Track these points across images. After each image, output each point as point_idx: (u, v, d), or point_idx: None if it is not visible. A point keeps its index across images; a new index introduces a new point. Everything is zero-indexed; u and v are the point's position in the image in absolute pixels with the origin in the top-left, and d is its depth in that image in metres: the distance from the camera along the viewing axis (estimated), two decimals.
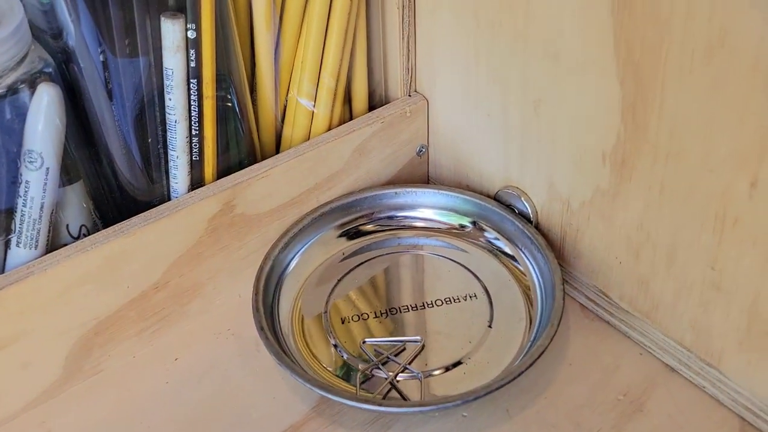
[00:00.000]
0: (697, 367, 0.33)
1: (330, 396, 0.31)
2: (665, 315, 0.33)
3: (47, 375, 0.34)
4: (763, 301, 0.28)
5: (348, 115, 0.42)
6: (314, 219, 0.39)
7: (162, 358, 0.36)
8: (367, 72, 0.42)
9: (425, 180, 0.45)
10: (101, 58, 0.30)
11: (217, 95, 0.35)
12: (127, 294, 0.35)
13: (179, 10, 0.31)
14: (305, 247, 0.39)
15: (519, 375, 0.31)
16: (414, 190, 0.41)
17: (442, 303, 0.37)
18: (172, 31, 0.31)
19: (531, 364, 0.31)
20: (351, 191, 0.41)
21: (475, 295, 0.37)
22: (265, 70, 0.38)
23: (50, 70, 0.30)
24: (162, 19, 0.31)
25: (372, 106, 0.42)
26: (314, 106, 0.40)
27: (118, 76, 0.31)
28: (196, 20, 0.32)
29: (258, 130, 0.39)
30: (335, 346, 0.35)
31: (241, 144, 0.38)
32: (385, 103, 0.42)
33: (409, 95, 0.42)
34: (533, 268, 0.37)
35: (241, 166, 0.38)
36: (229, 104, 0.36)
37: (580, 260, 0.37)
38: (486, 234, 0.39)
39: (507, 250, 0.38)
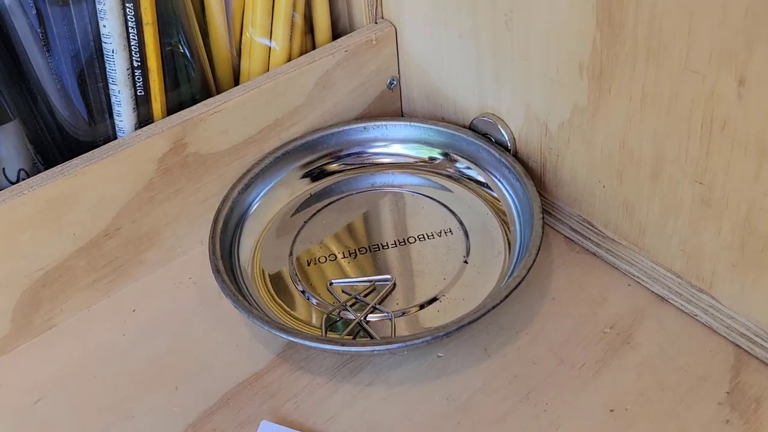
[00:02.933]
0: (688, 294, 0.30)
1: (292, 339, 0.29)
2: (653, 240, 0.31)
3: None
4: (756, 213, 0.26)
5: (311, 48, 0.39)
6: (276, 158, 0.36)
7: (119, 310, 0.34)
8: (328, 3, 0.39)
9: (399, 114, 0.42)
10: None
11: (165, 41, 0.32)
12: (75, 242, 0.32)
13: None
14: (267, 188, 0.36)
15: (493, 308, 0.28)
16: (384, 123, 0.38)
17: (415, 240, 0.34)
18: None
19: (506, 296, 0.29)
20: (316, 128, 0.38)
21: (450, 231, 0.34)
22: (216, 4, 0.35)
23: None
24: None
25: (336, 36, 0.39)
26: (271, 40, 0.37)
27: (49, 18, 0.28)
28: None
29: (213, 68, 0.37)
30: (302, 291, 0.32)
31: (193, 80, 0.35)
32: (350, 32, 0.39)
33: (375, 22, 0.39)
34: (511, 197, 0.34)
35: (194, 102, 0.35)
36: (179, 49, 0.33)
37: (561, 188, 0.34)
38: (457, 165, 0.36)
39: (480, 179, 0.36)
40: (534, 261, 0.30)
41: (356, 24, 0.40)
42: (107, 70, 0.31)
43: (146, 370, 0.31)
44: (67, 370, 0.32)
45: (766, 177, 0.25)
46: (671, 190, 0.29)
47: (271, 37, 0.37)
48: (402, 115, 0.42)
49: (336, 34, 0.40)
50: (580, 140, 0.31)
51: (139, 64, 0.32)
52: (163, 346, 0.32)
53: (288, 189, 0.37)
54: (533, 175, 0.35)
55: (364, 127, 0.38)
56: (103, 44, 0.31)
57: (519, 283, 0.29)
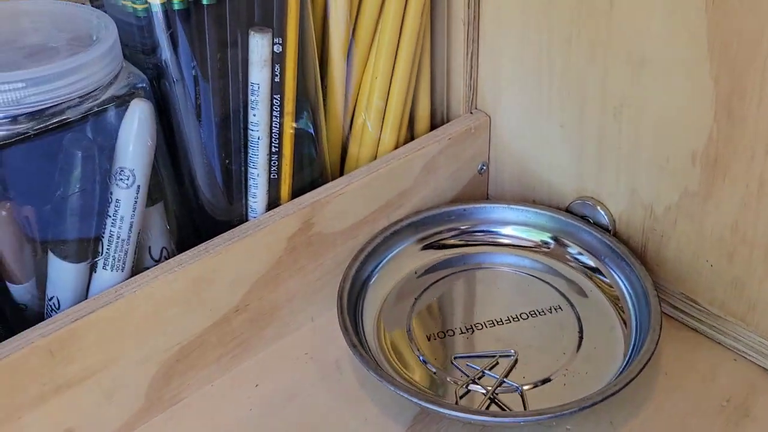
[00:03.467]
0: None
1: (433, 407, 0.30)
2: (763, 316, 0.33)
3: (130, 405, 0.32)
4: None
5: (410, 137, 0.42)
6: (386, 237, 0.38)
7: (241, 385, 0.35)
8: (430, 92, 0.42)
9: (485, 197, 0.44)
10: (193, 73, 0.30)
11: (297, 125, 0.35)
12: (210, 317, 0.34)
13: (266, 25, 0.31)
14: (382, 263, 0.38)
15: (626, 386, 0.30)
16: (484, 206, 0.40)
17: (528, 316, 0.36)
18: (260, 45, 0.31)
19: (640, 372, 0.30)
20: (419, 209, 0.40)
21: (560, 307, 0.36)
22: (338, 93, 0.38)
23: (143, 85, 0.29)
24: (251, 33, 0.31)
25: (434, 126, 0.42)
26: (381, 130, 0.40)
27: (207, 93, 0.31)
28: (282, 34, 0.32)
29: (329, 154, 0.39)
30: (424, 362, 0.34)
31: (314, 164, 0.37)
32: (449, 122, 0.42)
33: (471, 112, 0.42)
34: (619, 277, 0.36)
35: (312, 186, 0.37)
36: (307, 132, 0.36)
37: (663, 267, 0.36)
38: (569, 249, 0.39)
39: (590, 263, 0.38)
40: (659, 336, 0.32)
41: (453, 114, 0.43)
42: (250, 154, 0.33)
43: None
44: None
45: None
46: None
47: (382, 126, 0.39)
48: (487, 198, 0.44)
49: (433, 124, 0.43)
50: (688, 222, 0.34)
51: (277, 149, 0.34)
52: (292, 421, 0.33)
53: (399, 264, 0.39)
54: (634, 254, 0.37)
55: (464, 209, 0.40)
56: (250, 132, 0.33)
57: (650, 358, 0.30)
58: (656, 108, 0.33)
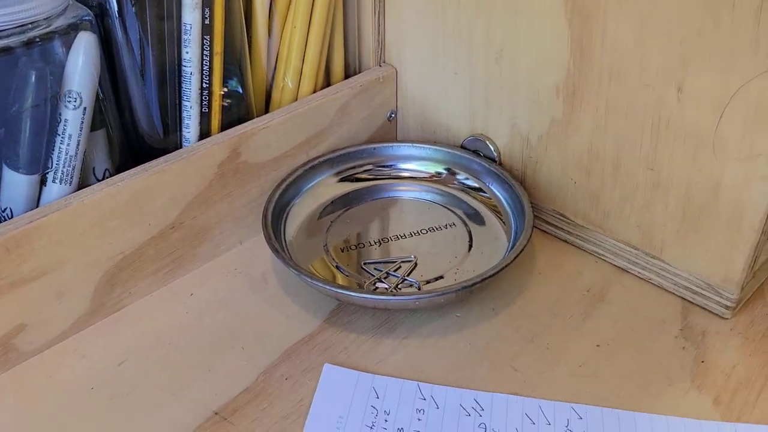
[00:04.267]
0: (644, 262, 0.40)
1: (344, 292, 0.35)
2: (615, 221, 0.40)
3: (78, 307, 0.36)
4: (693, 187, 0.35)
5: (326, 85, 0.48)
6: (306, 170, 0.44)
7: (178, 295, 0.40)
8: (344, 48, 0.48)
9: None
10: (134, 10, 0.35)
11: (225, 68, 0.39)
12: (149, 231, 0.38)
13: None
14: (302, 191, 0.43)
15: (505, 267, 0.36)
16: (391, 145, 0.46)
17: (427, 232, 0.42)
18: None
19: (514, 259, 0.37)
20: (335, 148, 0.46)
21: (453, 224, 0.42)
22: (261, 48, 0.43)
23: (89, 18, 0.34)
24: None
25: (347, 78, 0.48)
26: (299, 82, 0.45)
27: (146, 32, 0.36)
28: None
29: (254, 95, 0.44)
30: (338, 267, 0.39)
31: (240, 104, 0.42)
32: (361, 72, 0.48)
33: (380, 65, 0.48)
34: (502, 196, 0.43)
35: (239, 123, 0.42)
36: (231, 68, 0.41)
37: (539, 189, 0.43)
38: (458, 177, 0.45)
39: (476, 185, 0.44)
40: (531, 234, 0.38)
41: (364, 67, 0.49)
42: (183, 88, 0.38)
43: (212, 337, 0.37)
44: (143, 340, 0.37)
45: (699, 158, 0.34)
46: (629, 179, 0.38)
47: (300, 79, 0.45)
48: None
49: (346, 75, 0.48)
50: (555, 148, 0.41)
51: (207, 85, 0.39)
52: (224, 320, 0.38)
53: (318, 192, 0.44)
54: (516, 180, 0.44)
55: (374, 148, 0.46)
56: (183, 68, 0.38)
57: (523, 249, 0.37)
58: (528, 51, 0.40)
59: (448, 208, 0.44)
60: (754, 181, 0.33)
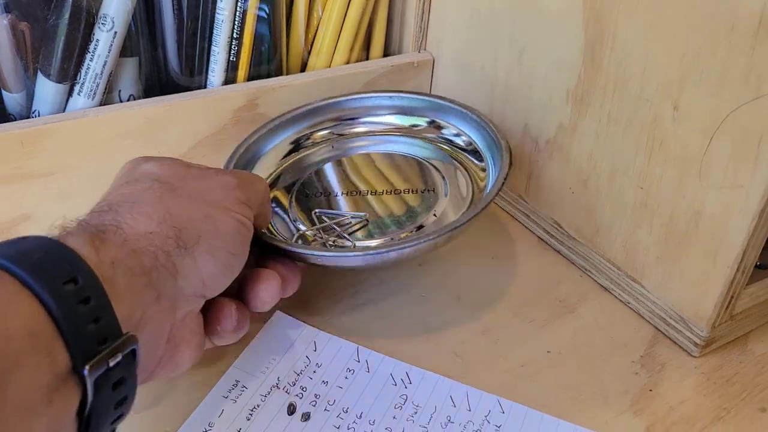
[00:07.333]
0: (625, 284, 0.38)
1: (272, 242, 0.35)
2: (604, 238, 0.39)
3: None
4: (677, 212, 0.34)
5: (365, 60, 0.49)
6: (282, 122, 0.43)
7: None
8: (386, 30, 0.49)
9: None
10: None
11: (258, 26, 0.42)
12: None
13: None
14: (281, 137, 0.43)
15: (454, 229, 0.33)
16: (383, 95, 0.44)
17: (401, 192, 0.41)
18: None
19: (487, 206, 0.34)
20: None
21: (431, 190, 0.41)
22: (299, 20, 0.45)
23: None
24: None
25: (386, 56, 0.50)
26: (336, 48, 0.47)
27: None
28: None
29: (288, 59, 0.47)
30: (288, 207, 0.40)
31: (271, 63, 0.45)
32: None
33: (419, 51, 0.49)
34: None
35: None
36: (266, 36, 0.43)
37: (539, 195, 0.43)
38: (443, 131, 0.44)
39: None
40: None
41: (404, 50, 0.50)
42: (214, 34, 0.41)
43: None
44: None
45: (685, 182, 0.33)
46: (620, 195, 0.37)
47: (336, 45, 0.47)
48: None
49: (386, 54, 0.50)
50: (559, 154, 0.40)
51: (238, 36, 0.42)
52: None
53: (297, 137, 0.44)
54: (520, 183, 0.43)
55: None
56: (217, 14, 0.41)
57: (504, 185, 0.36)
58: (546, 52, 0.40)
59: (429, 164, 0.42)
60: (733, 214, 0.32)
